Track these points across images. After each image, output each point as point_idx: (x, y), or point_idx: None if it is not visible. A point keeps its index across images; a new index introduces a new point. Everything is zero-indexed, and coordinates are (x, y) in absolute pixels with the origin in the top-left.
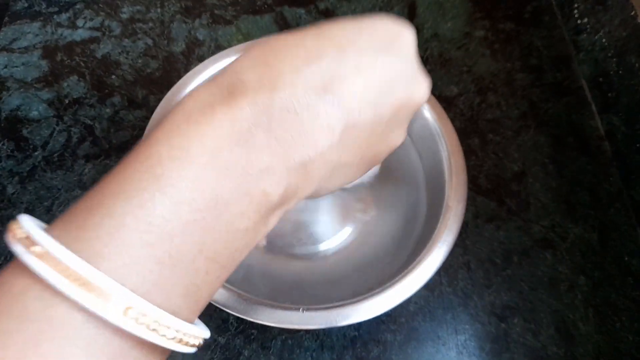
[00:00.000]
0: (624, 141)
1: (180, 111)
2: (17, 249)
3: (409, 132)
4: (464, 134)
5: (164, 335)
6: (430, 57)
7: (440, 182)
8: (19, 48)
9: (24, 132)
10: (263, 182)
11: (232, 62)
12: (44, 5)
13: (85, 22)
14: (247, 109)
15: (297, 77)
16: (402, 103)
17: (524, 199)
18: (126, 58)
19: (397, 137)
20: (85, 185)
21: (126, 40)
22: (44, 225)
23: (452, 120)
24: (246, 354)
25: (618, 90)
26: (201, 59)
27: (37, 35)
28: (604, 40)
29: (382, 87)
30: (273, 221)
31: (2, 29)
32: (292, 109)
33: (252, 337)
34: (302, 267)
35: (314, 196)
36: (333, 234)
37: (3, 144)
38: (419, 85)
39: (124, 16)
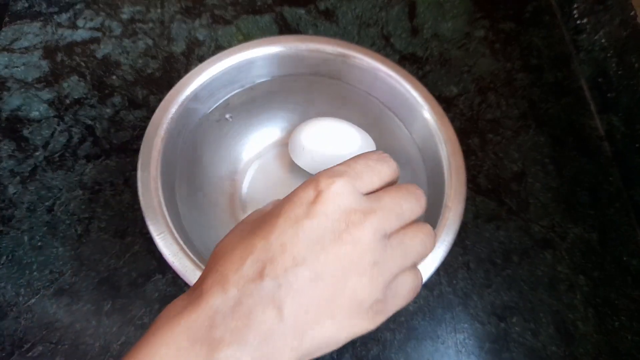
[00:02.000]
0: (623, 141)
1: (157, 322)
2: None
3: (411, 132)
4: (463, 133)
5: None
6: (430, 57)
7: (439, 182)
8: (20, 48)
9: (25, 132)
10: None
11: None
12: (44, 6)
13: (86, 23)
14: (204, 314)
15: (238, 275)
16: (341, 252)
17: (524, 198)
18: (126, 58)
19: (359, 284)
20: (86, 185)
21: (126, 40)
22: None
23: (452, 120)
24: None
25: (618, 91)
26: (201, 59)
27: (37, 35)
28: (603, 40)
29: (310, 247)
30: None
31: (3, 29)
32: (239, 302)
33: None
34: None
35: (307, 358)
36: None
37: (4, 144)
38: (356, 230)
39: (124, 16)
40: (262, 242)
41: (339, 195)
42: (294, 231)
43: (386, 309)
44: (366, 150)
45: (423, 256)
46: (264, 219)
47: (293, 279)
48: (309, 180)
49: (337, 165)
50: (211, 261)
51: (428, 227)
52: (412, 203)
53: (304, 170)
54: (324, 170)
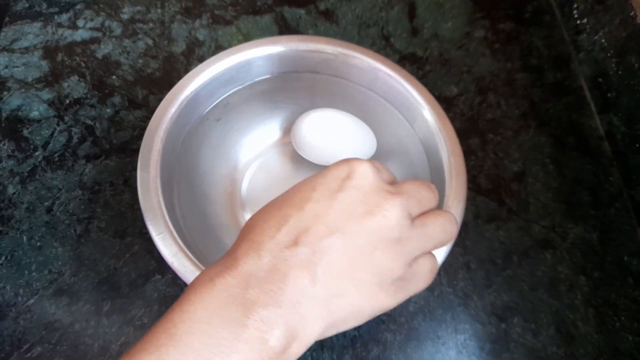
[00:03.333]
0: (623, 141)
1: (191, 286)
2: None
3: (414, 129)
4: (464, 134)
5: None
6: (430, 57)
7: (440, 181)
8: (20, 48)
9: (25, 132)
10: (259, 330)
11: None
12: (44, 6)
13: (86, 23)
14: (239, 277)
15: (273, 243)
16: (371, 225)
17: (524, 198)
18: (126, 58)
19: (384, 258)
20: (85, 185)
21: (126, 40)
22: None
23: (452, 120)
24: None
25: (618, 91)
26: (201, 59)
27: (37, 35)
28: (603, 40)
29: (342, 217)
30: None
31: (3, 29)
32: (274, 267)
33: None
34: None
35: (330, 334)
36: None
37: (4, 144)
38: (385, 205)
39: (125, 16)
40: (296, 213)
41: (369, 175)
42: (328, 203)
43: (407, 287)
44: (368, 140)
45: (444, 241)
46: (296, 192)
47: (326, 247)
48: (340, 161)
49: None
50: (244, 231)
51: (450, 214)
52: (428, 192)
53: (305, 169)
54: (351, 157)
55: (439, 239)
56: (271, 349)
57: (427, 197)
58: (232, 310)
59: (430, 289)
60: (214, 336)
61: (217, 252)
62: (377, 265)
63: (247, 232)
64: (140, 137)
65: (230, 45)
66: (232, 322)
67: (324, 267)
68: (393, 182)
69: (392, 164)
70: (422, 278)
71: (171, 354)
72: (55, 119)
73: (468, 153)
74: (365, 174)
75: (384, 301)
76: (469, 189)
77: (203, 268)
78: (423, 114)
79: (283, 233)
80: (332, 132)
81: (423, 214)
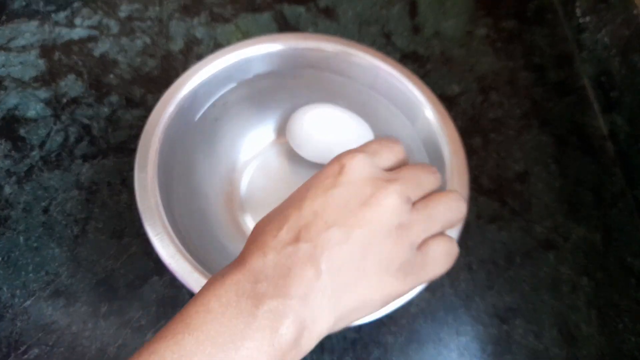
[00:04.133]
0: (627, 141)
1: (204, 286)
2: None
3: (415, 130)
4: (465, 133)
5: None
6: (432, 55)
7: (442, 182)
8: (17, 47)
9: (21, 131)
10: (269, 320)
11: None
12: (41, 4)
13: (83, 21)
14: (248, 274)
15: (276, 241)
16: (368, 215)
17: (527, 199)
18: (124, 57)
19: (386, 244)
20: (83, 185)
21: (124, 39)
22: None
23: (454, 120)
24: None
25: (621, 90)
26: (200, 57)
27: (34, 34)
28: (606, 39)
29: (339, 211)
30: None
31: (0, 27)
32: (279, 262)
33: None
34: None
35: (341, 326)
36: None
37: (0, 144)
38: (380, 194)
39: (122, 15)
40: (295, 212)
41: (361, 167)
42: (324, 199)
43: (418, 272)
44: (365, 136)
45: (452, 220)
46: (295, 195)
47: (326, 240)
48: (333, 159)
49: (354, 148)
50: (251, 236)
51: (454, 192)
52: (428, 175)
53: (304, 169)
54: (344, 151)
55: (445, 219)
56: (281, 336)
57: (427, 179)
58: (242, 302)
59: (432, 290)
60: (226, 325)
61: (215, 252)
62: (380, 253)
63: (254, 236)
64: (137, 136)
65: (229, 44)
66: (243, 312)
67: (327, 260)
68: (392, 167)
69: None
70: (437, 262)
71: (187, 340)
72: (52, 119)
73: (470, 153)
74: (356, 167)
75: (393, 287)
76: (471, 189)
77: (201, 269)
78: (425, 113)
79: (284, 231)
80: (328, 128)
81: (426, 196)
